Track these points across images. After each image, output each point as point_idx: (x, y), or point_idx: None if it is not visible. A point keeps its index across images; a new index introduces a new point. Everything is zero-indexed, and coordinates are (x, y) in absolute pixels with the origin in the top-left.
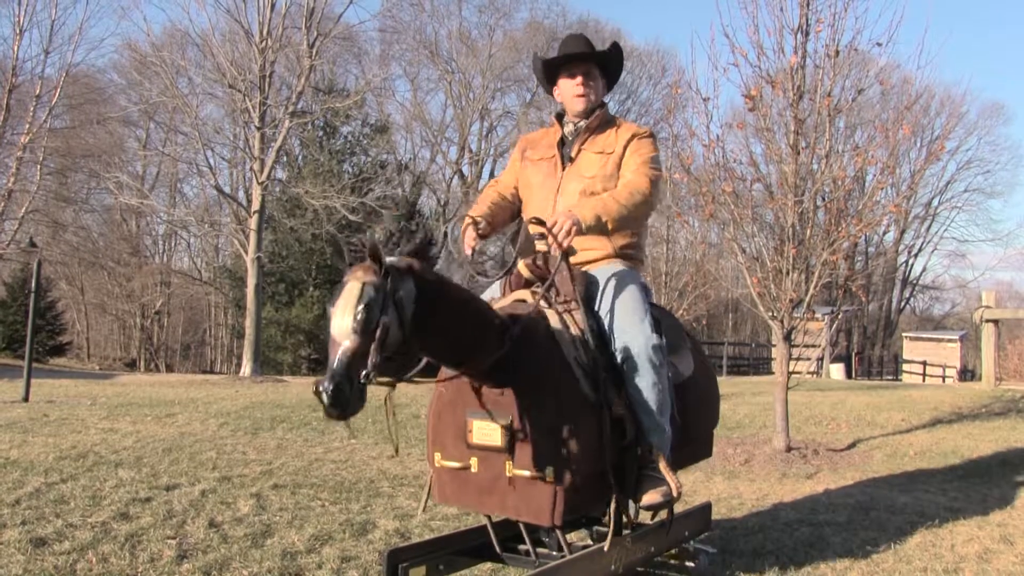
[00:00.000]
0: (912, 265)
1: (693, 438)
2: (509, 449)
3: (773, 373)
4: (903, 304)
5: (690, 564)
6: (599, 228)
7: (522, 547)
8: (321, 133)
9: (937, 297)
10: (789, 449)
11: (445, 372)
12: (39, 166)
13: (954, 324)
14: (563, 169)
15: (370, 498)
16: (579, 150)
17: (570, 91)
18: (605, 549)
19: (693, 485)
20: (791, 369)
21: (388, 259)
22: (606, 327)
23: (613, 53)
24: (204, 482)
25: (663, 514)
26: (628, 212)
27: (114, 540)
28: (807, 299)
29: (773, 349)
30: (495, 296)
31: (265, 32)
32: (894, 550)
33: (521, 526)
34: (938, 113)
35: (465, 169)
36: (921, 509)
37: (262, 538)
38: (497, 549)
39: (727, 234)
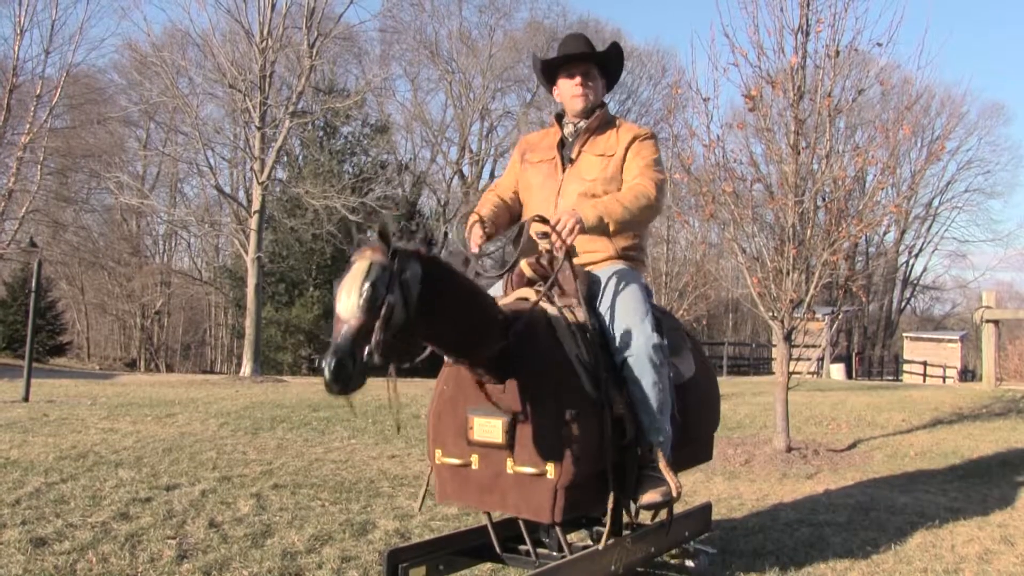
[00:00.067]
0: (912, 265)
1: (693, 439)
2: (510, 446)
3: (773, 373)
4: (903, 304)
5: (690, 564)
6: (601, 229)
7: (522, 547)
8: (321, 133)
9: (937, 297)
10: (789, 449)
11: (446, 370)
12: (39, 166)
13: (954, 324)
14: (563, 171)
15: (370, 498)
16: (579, 152)
17: (569, 91)
18: (602, 547)
19: (693, 485)
20: (791, 369)
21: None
22: (607, 326)
23: (612, 53)
24: (204, 482)
25: (663, 514)
26: (632, 215)
27: (114, 540)
28: (807, 299)
29: (773, 349)
30: (498, 295)
31: (265, 32)
32: (894, 551)
33: (521, 526)
34: (938, 113)
35: (465, 169)
36: (921, 509)
37: (262, 538)
38: (497, 549)
39: (727, 234)
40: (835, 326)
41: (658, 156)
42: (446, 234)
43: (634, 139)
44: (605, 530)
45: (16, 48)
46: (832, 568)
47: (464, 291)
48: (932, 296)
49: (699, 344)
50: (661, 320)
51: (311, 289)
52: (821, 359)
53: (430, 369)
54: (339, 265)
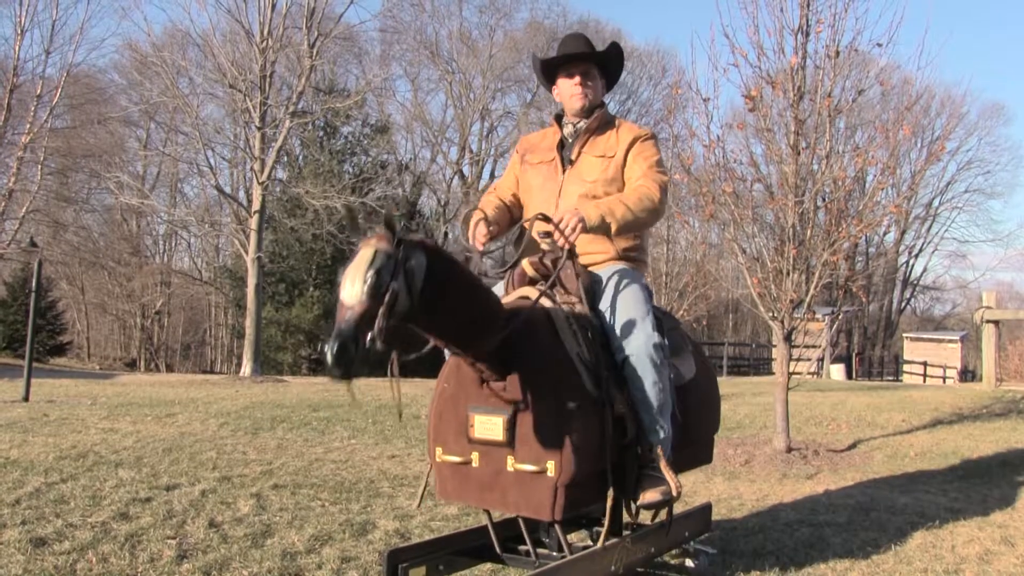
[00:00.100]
0: (912, 266)
1: (694, 440)
2: (510, 443)
3: (773, 373)
4: (904, 305)
5: (690, 564)
6: (603, 228)
7: (522, 547)
8: (321, 133)
9: (938, 298)
10: (789, 450)
11: (447, 368)
12: (40, 166)
13: (955, 325)
14: (563, 172)
15: (370, 498)
16: (579, 153)
17: (568, 90)
18: (600, 545)
19: (693, 486)
20: (791, 370)
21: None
22: (608, 324)
23: (612, 53)
24: (204, 482)
25: (663, 514)
26: (635, 216)
27: (114, 540)
28: (807, 299)
29: (773, 350)
30: (499, 294)
31: (266, 32)
32: (894, 551)
33: (522, 526)
34: (938, 114)
35: (466, 169)
36: (921, 510)
37: (262, 538)
38: (497, 549)
39: (727, 234)
40: (835, 326)
41: (660, 157)
42: (446, 234)
43: (635, 140)
44: (603, 528)
45: (17, 48)
46: (832, 568)
47: (467, 282)
48: (932, 296)
49: (699, 346)
50: (662, 320)
51: (311, 289)
52: (821, 359)
53: (430, 369)
54: (339, 265)
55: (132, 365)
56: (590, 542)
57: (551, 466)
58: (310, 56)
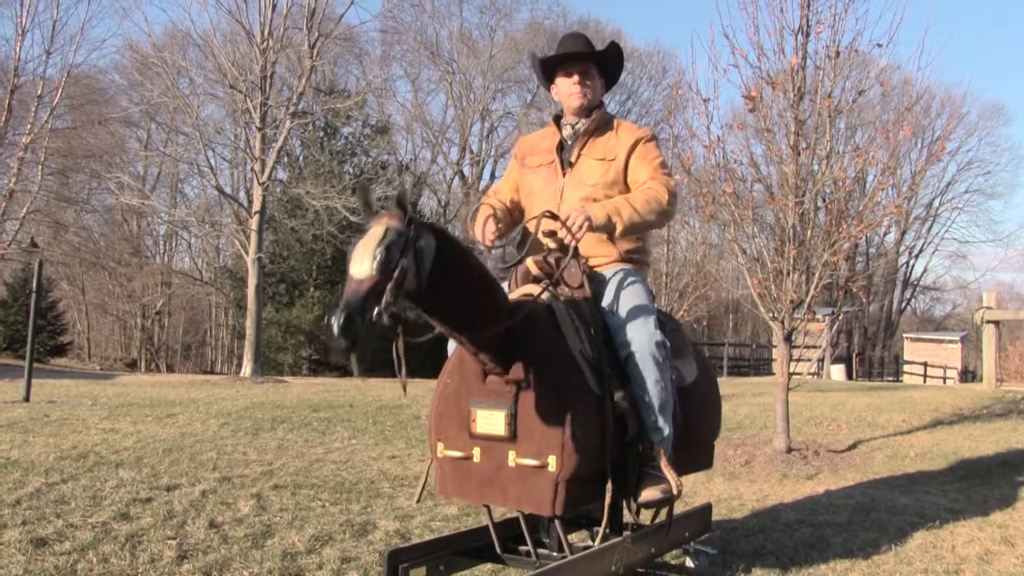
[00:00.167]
0: (913, 266)
1: (694, 442)
2: (512, 437)
3: (774, 374)
4: (904, 305)
5: (690, 565)
6: (609, 228)
7: (523, 548)
8: (322, 134)
9: (938, 298)
10: (790, 450)
11: (449, 364)
12: (40, 166)
13: (955, 325)
14: (563, 175)
15: (370, 499)
16: (579, 155)
17: (567, 90)
18: (598, 544)
19: (693, 486)
20: (792, 370)
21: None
22: (611, 323)
23: (611, 52)
24: (204, 482)
25: (663, 514)
26: (642, 218)
27: (114, 540)
28: (808, 300)
29: (774, 350)
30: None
31: (266, 33)
32: (895, 551)
33: (523, 525)
34: (939, 114)
35: (466, 170)
36: (922, 510)
37: (262, 539)
38: (498, 549)
39: (728, 235)
40: (835, 327)
41: (663, 159)
42: None
43: (636, 143)
44: (601, 527)
45: (17, 49)
46: (832, 569)
47: (474, 269)
48: (932, 297)
49: (700, 349)
50: (664, 321)
51: (312, 290)
52: (821, 360)
53: (431, 369)
54: (340, 266)
55: (133, 365)
56: (590, 542)
57: (552, 461)
58: (310, 57)
